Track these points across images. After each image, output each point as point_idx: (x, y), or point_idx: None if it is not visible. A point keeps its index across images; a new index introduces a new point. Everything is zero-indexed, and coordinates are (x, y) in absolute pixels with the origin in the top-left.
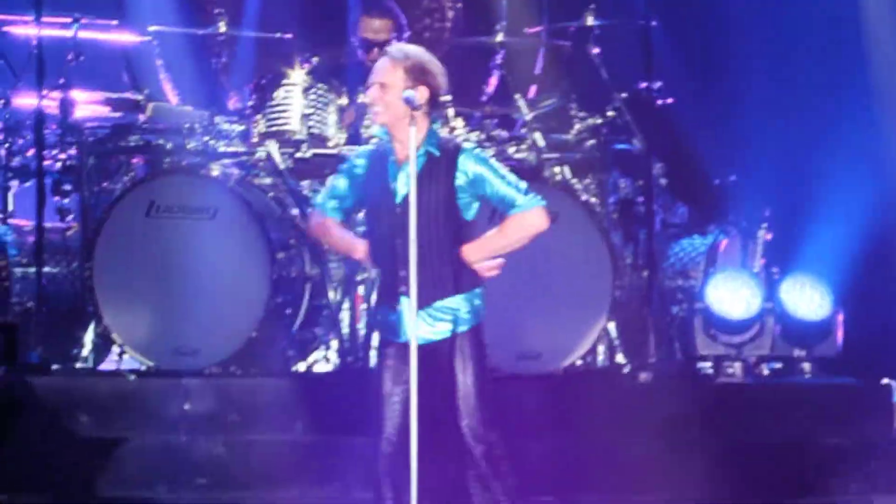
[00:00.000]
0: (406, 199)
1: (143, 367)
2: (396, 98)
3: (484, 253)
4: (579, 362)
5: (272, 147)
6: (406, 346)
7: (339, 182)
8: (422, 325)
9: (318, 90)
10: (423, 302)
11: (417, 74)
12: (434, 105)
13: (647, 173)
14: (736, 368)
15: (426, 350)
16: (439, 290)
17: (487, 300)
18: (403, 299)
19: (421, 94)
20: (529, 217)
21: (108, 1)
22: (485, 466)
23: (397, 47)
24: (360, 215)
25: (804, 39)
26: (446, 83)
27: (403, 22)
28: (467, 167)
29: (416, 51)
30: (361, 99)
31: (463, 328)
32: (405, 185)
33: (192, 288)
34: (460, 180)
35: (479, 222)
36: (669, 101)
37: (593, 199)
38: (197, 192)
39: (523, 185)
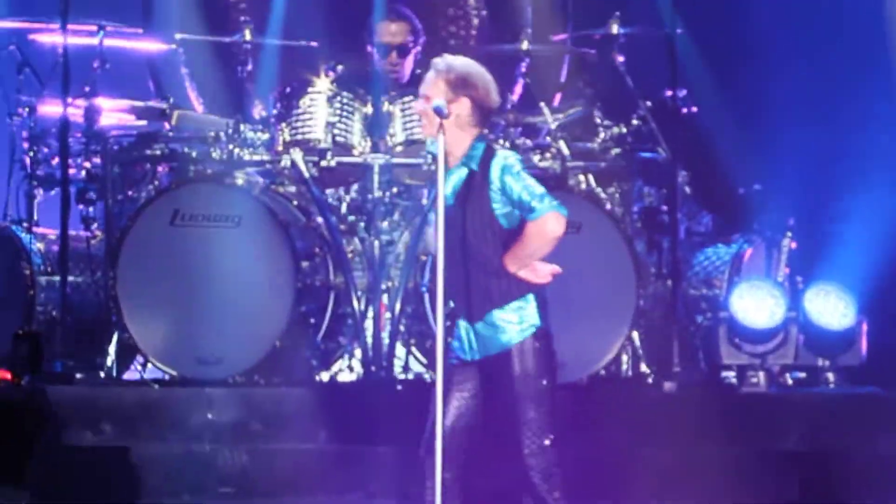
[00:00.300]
0: (447, 210)
1: (167, 377)
2: None
3: (517, 262)
4: (603, 371)
5: (297, 155)
6: (469, 363)
7: None
8: (476, 341)
9: (343, 98)
10: (475, 316)
11: (458, 86)
12: (479, 117)
13: (671, 182)
14: (760, 378)
15: (483, 364)
16: (487, 303)
17: None
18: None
19: (461, 105)
20: (543, 223)
21: (133, 9)
22: (540, 483)
23: (442, 59)
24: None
25: (829, 47)
26: (494, 95)
27: (419, 27)
28: (496, 175)
29: (461, 63)
30: (386, 108)
31: (518, 339)
32: (447, 196)
33: (216, 297)
34: (493, 189)
35: None
36: (694, 109)
37: (618, 208)
38: (221, 201)
39: (540, 190)
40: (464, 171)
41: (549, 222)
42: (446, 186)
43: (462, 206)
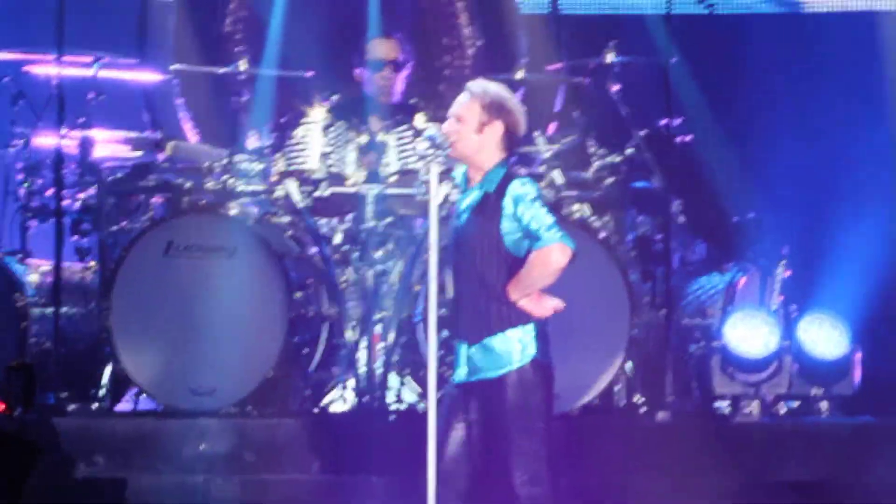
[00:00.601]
0: (456, 232)
1: (160, 408)
2: (471, 132)
3: (519, 290)
4: (596, 401)
5: (291, 186)
6: (461, 385)
7: None
8: (470, 363)
9: (338, 128)
10: (473, 339)
11: (494, 111)
12: (508, 143)
13: (665, 211)
14: (753, 407)
15: (478, 388)
16: (486, 328)
17: None
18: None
19: (494, 129)
20: (547, 253)
21: (128, 40)
22: None
23: (477, 83)
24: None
25: (824, 77)
26: (524, 124)
27: (410, 47)
28: (510, 201)
29: (496, 87)
30: (381, 138)
31: (514, 368)
32: (459, 218)
33: (210, 327)
34: (505, 215)
35: None
36: (688, 138)
37: (612, 237)
38: (215, 232)
39: (549, 220)
40: (479, 193)
41: (554, 252)
42: (461, 204)
43: (473, 227)
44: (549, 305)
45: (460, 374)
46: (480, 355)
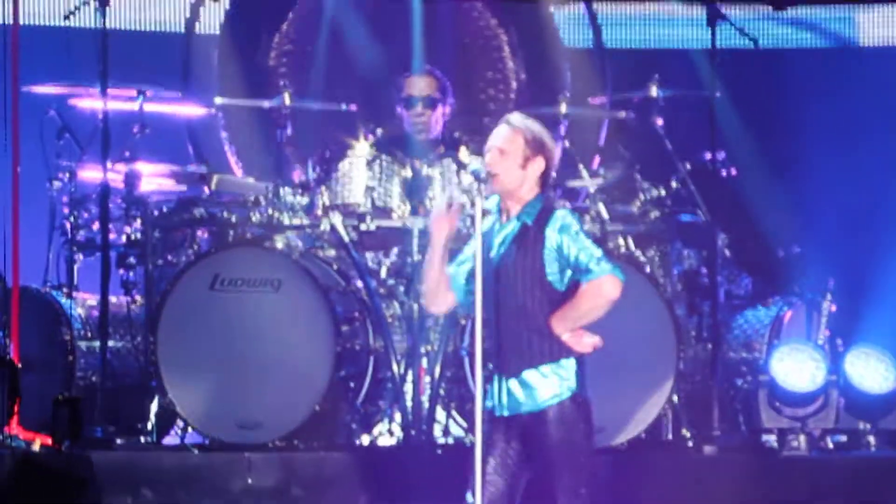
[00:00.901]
0: (492, 264)
1: (207, 441)
2: (515, 166)
3: (564, 323)
4: (643, 435)
5: (336, 219)
6: (498, 419)
7: None
8: (510, 398)
9: (382, 162)
10: (511, 372)
11: (537, 146)
12: (545, 178)
13: (711, 244)
14: (800, 441)
15: (517, 423)
16: (525, 360)
17: None
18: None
19: (536, 164)
20: (598, 285)
21: (173, 74)
22: None
23: (517, 116)
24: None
25: (868, 111)
26: (557, 161)
27: (448, 85)
28: (552, 234)
29: (534, 123)
30: (426, 172)
31: (554, 402)
32: (495, 251)
33: (256, 361)
34: (548, 248)
35: None
36: (733, 171)
37: (657, 271)
38: (261, 265)
39: (598, 252)
40: (517, 225)
41: (605, 284)
42: (498, 237)
43: (512, 260)
44: (588, 342)
45: (497, 407)
46: (518, 389)
